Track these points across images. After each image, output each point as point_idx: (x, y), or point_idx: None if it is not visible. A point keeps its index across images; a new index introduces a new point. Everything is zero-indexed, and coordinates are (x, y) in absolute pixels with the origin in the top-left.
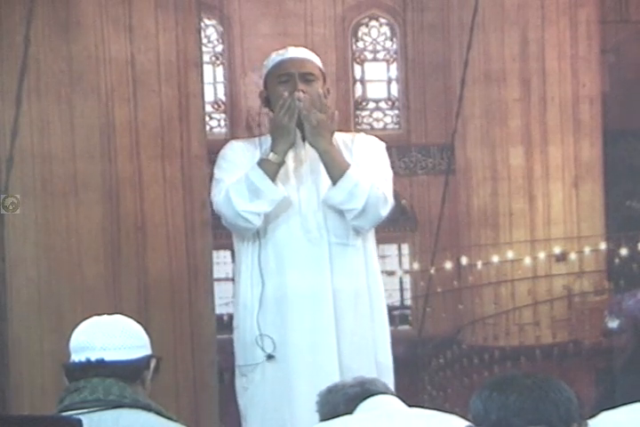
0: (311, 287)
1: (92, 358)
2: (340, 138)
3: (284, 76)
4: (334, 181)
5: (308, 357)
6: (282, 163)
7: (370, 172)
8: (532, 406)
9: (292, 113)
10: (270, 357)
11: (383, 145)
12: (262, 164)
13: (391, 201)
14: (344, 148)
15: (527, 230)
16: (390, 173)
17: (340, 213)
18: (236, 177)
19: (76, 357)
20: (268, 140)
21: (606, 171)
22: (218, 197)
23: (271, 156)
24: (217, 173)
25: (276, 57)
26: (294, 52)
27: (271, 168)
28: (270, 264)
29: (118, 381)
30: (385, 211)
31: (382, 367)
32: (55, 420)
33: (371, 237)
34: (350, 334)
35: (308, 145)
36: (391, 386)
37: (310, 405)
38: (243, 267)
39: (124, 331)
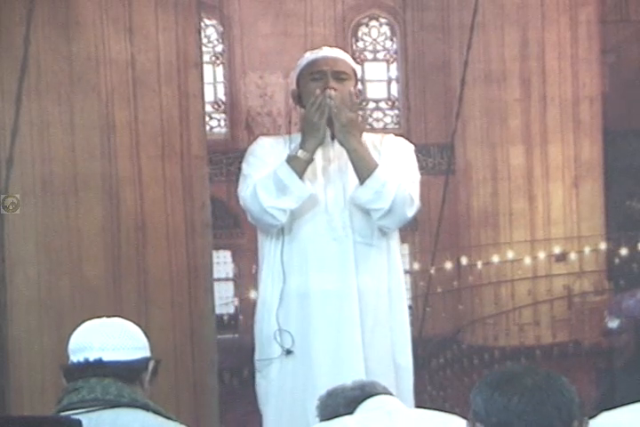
0: (335, 286)
1: (91, 359)
2: (368, 139)
3: (316, 74)
4: (362, 180)
5: (331, 358)
6: (310, 160)
7: (397, 172)
8: (534, 410)
9: (323, 110)
10: (289, 352)
11: (412, 147)
12: (291, 160)
13: (417, 202)
14: (372, 148)
15: (527, 230)
16: (417, 175)
17: (366, 212)
18: (264, 173)
19: (75, 357)
20: (296, 137)
21: (606, 171)
22: (245, 192)
23: (300, 153)
24: (245, 168)
25: (310, 55)
26: (328, 51)
27: (299, 165)
28: (293, 261)
29: (116, 381)
30: (411, 212)
31: (401, 369)
32: (55, 420)
33: (395, 237)
34: (371, 334)
35: (337, 144)
36: (410, 388)
37: None
38: (265, 263)
39: (123, 332)
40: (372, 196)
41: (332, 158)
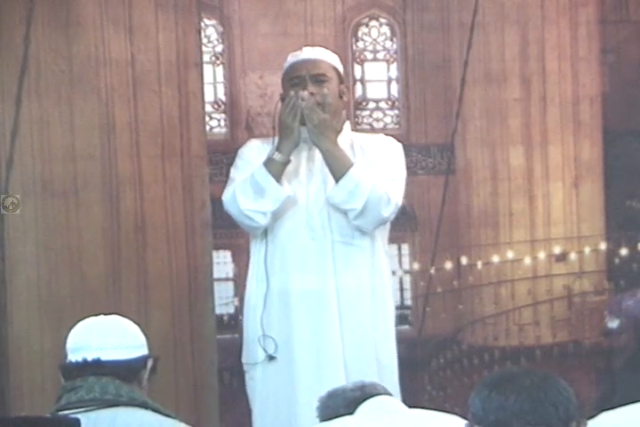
0: (314, 285)
1: (89, 358)
2: (356, 138)
3: (295, 79)
4: (336, 180)
5: (312, 356)
6: (287, 162)
7: (377, 171)
8: (531, 408)
9: (296, 112)
10: (271, 358)
11: (399, 146)
12: (267, 163)
13: (395, 201)
14: (358, 148)
15: (527, 230)
16: (402, 174)
17: (345, 212)
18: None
19: (73, 357)
20: None
21: (606, 171)
22: (225, 195)
23: (276, 155)
24: (232, 171)
25: (290, 59)
26: (308, 53)
27: (276, 167)
28: (275, 261)
29: (114, 379)
30: (387, 211)
31: (384, 367)
32: (53, 421)
33: (379, 236)
34: (351, 332)
35: None
36: (395, 386)
37: (314, 404)
38: (251, 264)
39: (121, 331)
40: (345, 196)
41: (316, 158)
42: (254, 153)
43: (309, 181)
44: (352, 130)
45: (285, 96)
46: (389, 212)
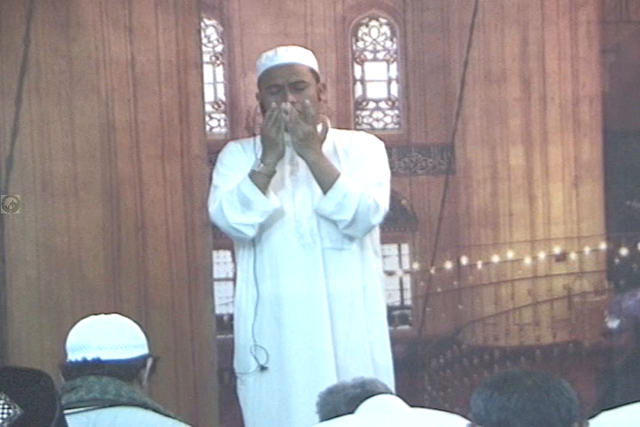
0: (304, 292)
1: (89, 358)
2: (337, 138)
3: (273, 88)
4: (324, 191)
5: (305, 363)
6: (272, 173)
7: (363, 177)
8: (533, 408)
9: (279, 126)
10: (263, 368)
11: (381, 144)
12: (253, 176)
13: (384, 207)
14: (341, 150)
15: (527, 230)
16: (387, 175)
17: (334, 222)
18: (233, 182)
19: (73, 356)
20: None
21: (606, 171)
22: (212, 206)
23: (261, 167)
24: (215, 177)
25: (265, 62)
26: (283, 56)
27: (261, 180)
28: (265, 269)
29: (114, 379)
30: (376, 219)
31: (380, 368)
32: (21, 370)
33: (368, 238)
34: (345, 336)
35: None
36: (391, 387)
37: (308, 410)
38: (239, 273)
39: (121, 330)
40: (334, 207)
41: (300, 164)
42: (235, 157)
43: (295, 186)
44: (350, 129)
45: (263, 99)
46: (379, 219)
